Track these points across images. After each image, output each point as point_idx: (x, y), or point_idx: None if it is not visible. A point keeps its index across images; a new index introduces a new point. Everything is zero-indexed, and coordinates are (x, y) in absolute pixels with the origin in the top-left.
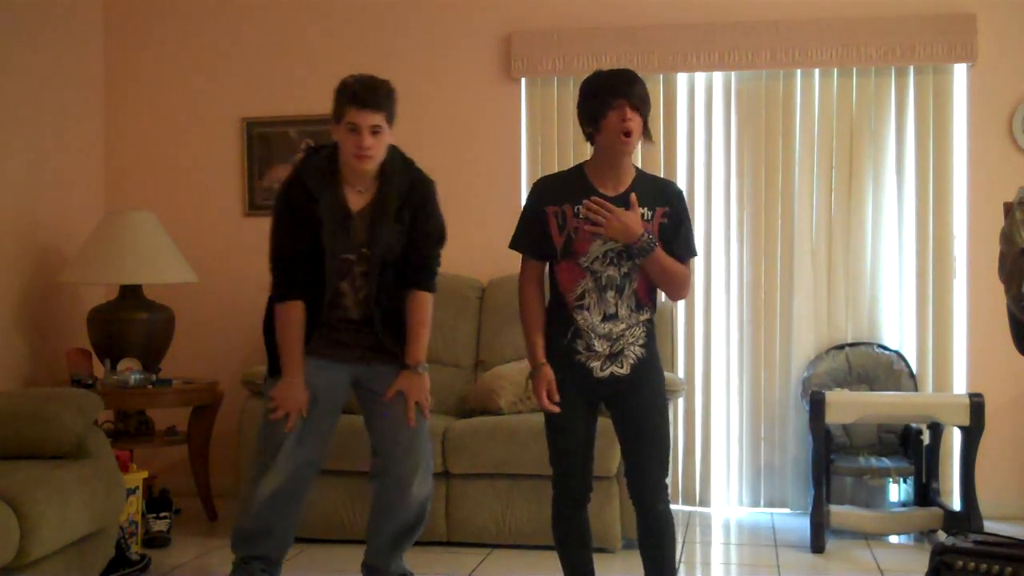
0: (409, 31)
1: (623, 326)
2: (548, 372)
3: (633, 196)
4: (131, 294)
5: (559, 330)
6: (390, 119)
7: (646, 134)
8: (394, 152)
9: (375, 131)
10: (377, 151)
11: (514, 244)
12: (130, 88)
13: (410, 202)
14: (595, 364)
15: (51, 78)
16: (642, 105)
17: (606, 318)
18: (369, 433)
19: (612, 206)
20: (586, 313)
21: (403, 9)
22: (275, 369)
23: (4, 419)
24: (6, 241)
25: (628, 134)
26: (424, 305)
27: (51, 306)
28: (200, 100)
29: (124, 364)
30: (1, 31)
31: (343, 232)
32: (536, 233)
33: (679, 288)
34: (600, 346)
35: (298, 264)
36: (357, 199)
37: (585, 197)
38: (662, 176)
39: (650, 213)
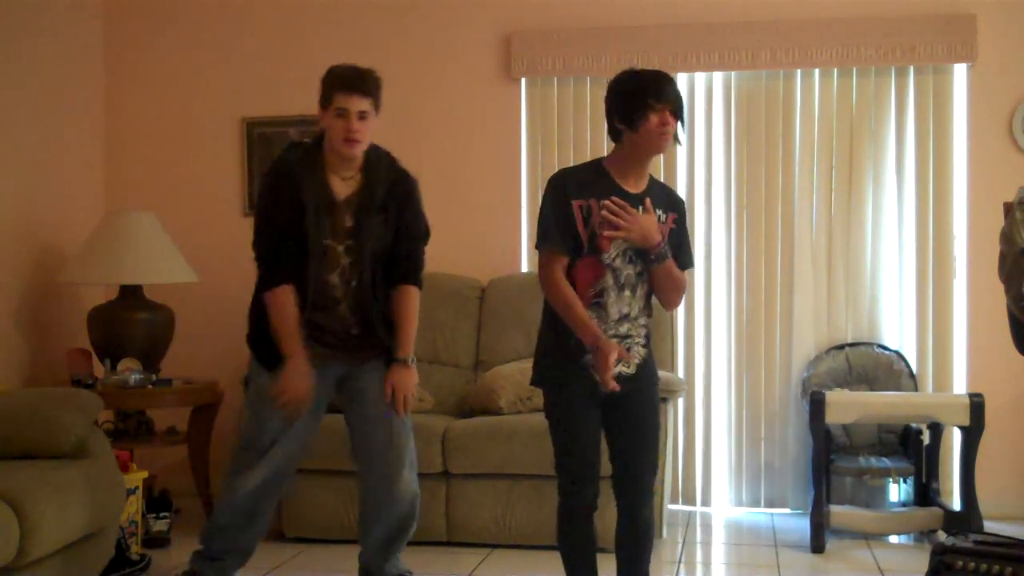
0: (409, 31)
1: (628, 326)
2: (612, 345)
3: (648, 201)
4: (131, 294)
5: (566, 331)
6: (377, 106)
7: (676, 138)
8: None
9: (362, 116)
10: (365, 136)
11: (543, 241)
12: (130, 88)
13: (395, 195)
14: None
15: (51, 78)
16: (680, 112)
17: (621, 318)
18: (350, 433)
19: (633, 210)
20: (602, 311)
21: (403, 9)
22: (267, 361)
23: (4, 419)
24: (6, 241)
25: (665, 139)
26: (413, 299)
27: (51, 306)
28: (200, 100)
29: (124, 364)
30: (1, 31)
31: (327, 218)
32: (564, 228)
33: (678, 296)
34: None
35: (284, 250)
36: (342, 187)
37: (610, 193)
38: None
39: (665, 216)
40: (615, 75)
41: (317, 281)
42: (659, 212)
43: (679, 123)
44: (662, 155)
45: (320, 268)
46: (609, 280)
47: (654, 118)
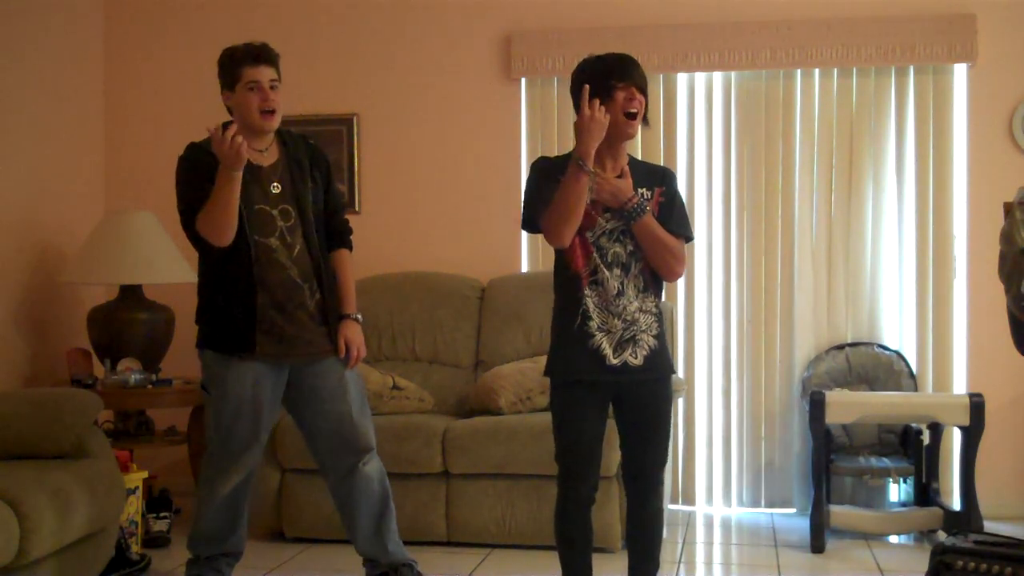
0: (409, 31)
1: (636, 305)
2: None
3: (626, 168)
4: (131, 294)
5: (570, 315)
6: (280, 78)
7: (644, 119)
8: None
9: (273, 86)
10: (280, 105)
11: (532, 212)
12: (130, 88)
13: (318, 165)
14: (608, 349)
15: (51, 78)
16: (646, 88)
17: (618, 294)
18: (306, 432)
19: (601, 172)
20: (600, 288)
21: (403, 9)
22: (215, 340)
23: (4, 419)
24: (6, 241)
25: (634, 116)
26: (350, 262)
27: (51, 306)
28: (200, 100)
29: (124, 364)
30: (2, 32)
31: (253, 184)
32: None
33: (672, 261)
34: (613, 324)
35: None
36: (259, 157)
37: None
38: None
39: (649, 193)
40: (579, 63)
41: (256, 244)
42: (643, 190)
43: (647, 103)
44: (662, 155)
45: (254, 231)
46: (597, 259)
47: (620, 95)
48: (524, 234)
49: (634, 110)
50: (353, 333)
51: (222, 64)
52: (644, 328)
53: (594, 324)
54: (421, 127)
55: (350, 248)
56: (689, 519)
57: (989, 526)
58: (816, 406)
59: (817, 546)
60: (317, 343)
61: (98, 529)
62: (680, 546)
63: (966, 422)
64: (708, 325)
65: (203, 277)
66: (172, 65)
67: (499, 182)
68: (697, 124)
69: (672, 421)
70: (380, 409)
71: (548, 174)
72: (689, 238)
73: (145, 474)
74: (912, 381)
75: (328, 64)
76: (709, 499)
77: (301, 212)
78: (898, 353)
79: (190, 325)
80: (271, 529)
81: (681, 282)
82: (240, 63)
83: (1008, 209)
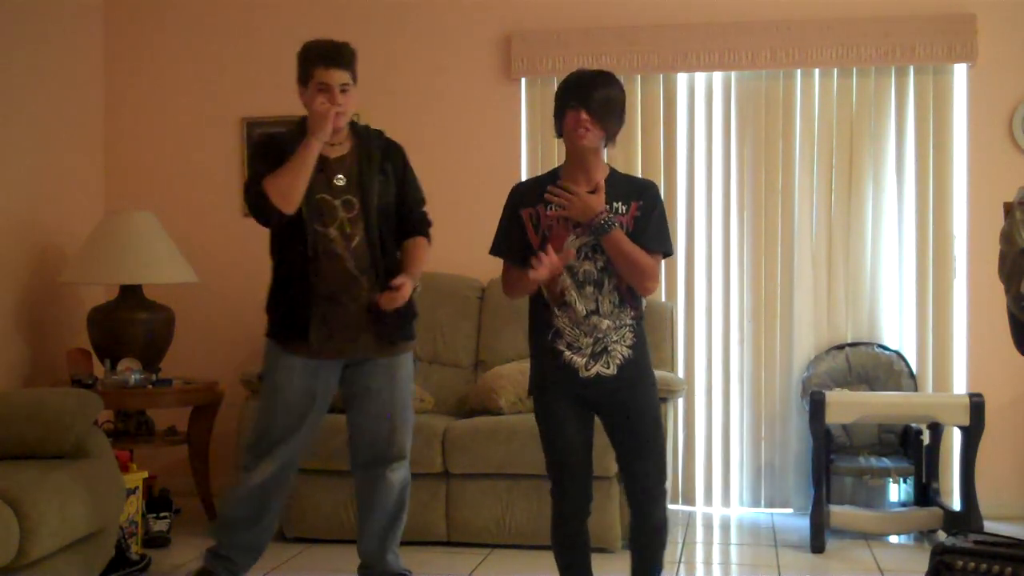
0: (409, 31)
1: (607, 323)
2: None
3: (600, 183)
4: (131, 294)
5: (541, 330)
6: (355, 78)
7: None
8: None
9: (344, 89)
10: (348, 108)
11: (495, 250)
12: (130, 88)
13: (392, 159)
14: (580, 362)
15: (51, 78)
16: (601, 110)
17: (588, 314)
18: (351, 424)
19: (574, 188)
20: (569, 309)
21: (403, 9)
22: (278, 331)
23: (4, 419)
24: (6, 241)
25: (581, 136)
26: (425, 248)
27: (51, 306)
28: (200, 100)
29: (124, 364)
30: (2, 31)
31: (317, 173)
32: (514, 238)
33: (643, 277)
34: (583, 342)
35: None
36: (329, 150)
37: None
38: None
39: (624, 207)
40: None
41: (315, 233)
42: (618, 204)
43: (604, 123)
44: (662, 155)
45: (315, 220)
46: (567, 280)
47: (570, 116)
48: None
49: (581, 128)
50: (402, 281)
51: (299, 58)
52: (617, 339)
53: (563, 342)
54: (421, 127)
55: (427, 236)
56: (689, 519)
57: (989, 526)
58: (816, 406)
59: (817, 546)
60: (366, 344)
61: (98, 529)
62: (680, 546)
63: (966, 422)
64: (708, 325)
65: (273, 270)
66: (172, 65)
67: (499, 182)
68: (697, 124)
69: (665, 428)
70: None
71: (515, 206)
72: (667, 253)
73: (145, 474)
74: (912, 381)
75: None
76: (709, 499)
77: (365, 204)
78: (898, 353)
79: (190, 325)
80: None
81: (681, 282)
82: (313, 63)
83: (1008, 209)
